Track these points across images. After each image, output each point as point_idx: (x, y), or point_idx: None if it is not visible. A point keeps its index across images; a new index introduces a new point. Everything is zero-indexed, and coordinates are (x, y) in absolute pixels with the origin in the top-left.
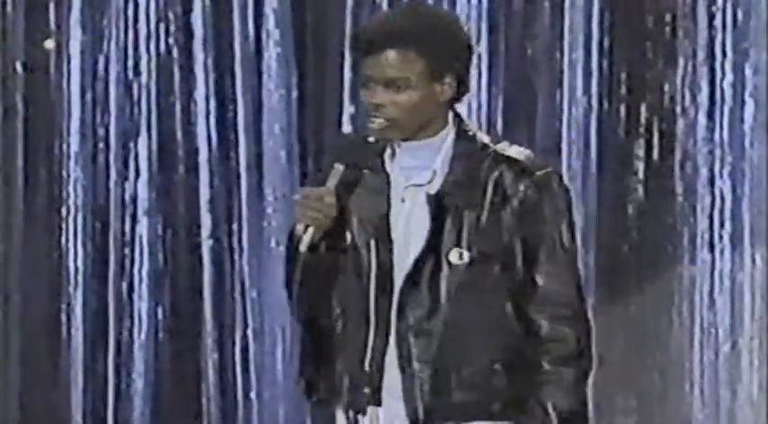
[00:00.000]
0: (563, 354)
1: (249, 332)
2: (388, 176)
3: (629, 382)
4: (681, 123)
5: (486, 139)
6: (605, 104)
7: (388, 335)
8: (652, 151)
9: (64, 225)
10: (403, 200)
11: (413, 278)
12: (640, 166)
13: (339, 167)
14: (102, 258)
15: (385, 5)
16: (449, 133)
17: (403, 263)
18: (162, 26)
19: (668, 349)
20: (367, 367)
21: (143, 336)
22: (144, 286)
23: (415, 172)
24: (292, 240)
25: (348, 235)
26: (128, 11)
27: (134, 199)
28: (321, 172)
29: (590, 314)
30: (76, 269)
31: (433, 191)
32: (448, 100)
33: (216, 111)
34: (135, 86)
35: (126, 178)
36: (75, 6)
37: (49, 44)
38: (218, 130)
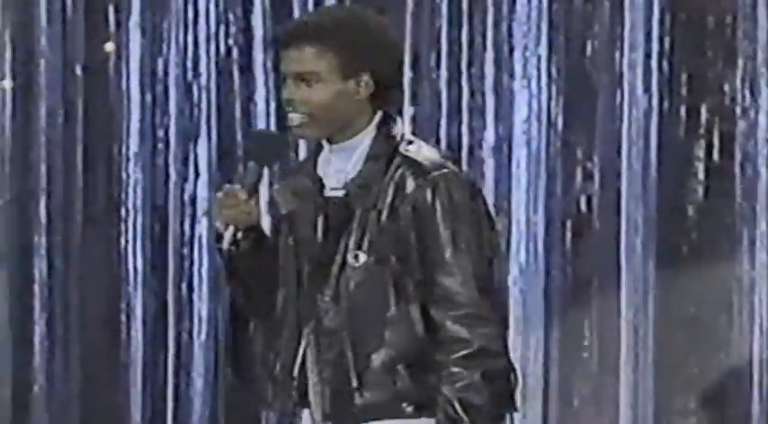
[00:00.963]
0: (465, 354)
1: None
2: (320, 179)
3: (688, 383)
4: (741, 124)
5: (405, 145)
6: (665, 104)
7: (300, 337)
8: (712, 152)
9: (124, 227)
10: (326, 202)
11: (316, 281)
12: (700, 167)
13: (252, 165)
14: (161, 259)
15: (445, 6)
16: (366, 135)
17: (312, 266)
18: (222, 27)
19: (727, 351)
20: (294, 370)
21: (203, 336)
22: (204, 286)
23: (335, 175)
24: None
25: (279, 237)
26: (187, 12)
27: (193, 200)
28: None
29: (502, 312)
30: (136, 269)
31: (340, 194)
32: (368, 100)
33: (275, 112)
34: (194, 88)
35: (185, 179)
36: (134, 9)
37: (109, 47)
38: (277, 131)
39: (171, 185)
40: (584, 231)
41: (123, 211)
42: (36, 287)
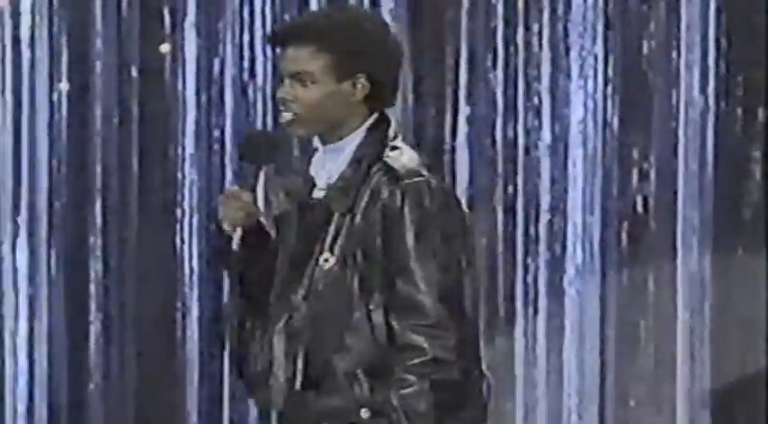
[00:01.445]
0: (417, 362)
1: None
2: (312, 179)
3: (744, 383)
4: None
5: (388, 150)
6: (722, 105)
7: (271, 339)
8: None
9: (179, 227)
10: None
11: (288, 281)
12: (756, 167)
13: (263, 168)
14: None
15: (501, 6)
16: (356, 137)
17: (289, 267)
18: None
19: None
20: (270, 369)
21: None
22: None
23: (325, 176)
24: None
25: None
26: (243, 13)
27: None
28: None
29: (463, 323)
30: (191, 270)
31: (320, 196)
32: (363, 101)
33: None
34: (250, 88)
35: (242, 179)
36: (190, 10)
37: (165, 48)
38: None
39: (226, 185)
40: (640, 231)
41: (179, 212)
42: (92, 287)
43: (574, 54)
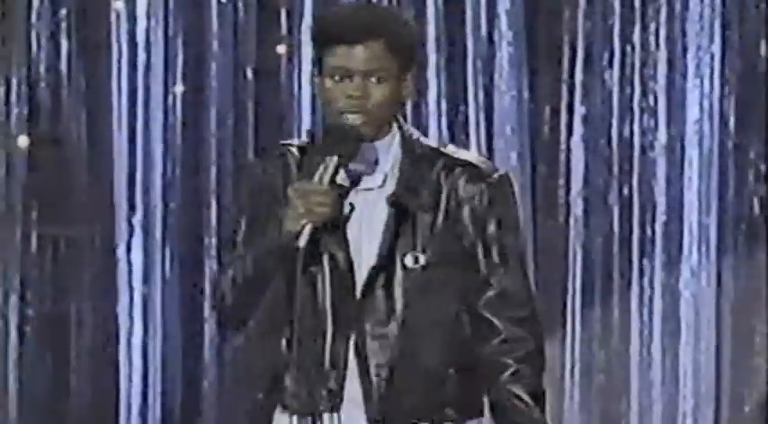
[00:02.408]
0: (523, 353)
1: None
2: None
3: None
4: None
5: (431, 143)
6: None
7: (348, 340)
8: None
9: None
10: (351, 205)
11: (371, 283)
12: None
13: (333, 159)
14: None
15: (617, 4)
16: (395, 135)
17: (360, 267)
18: None
19: None
20: (327, 372)
21: None
22: None
23: (372, 174)
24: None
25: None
26: None
27: None
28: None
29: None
30: None
31: (388, 194)
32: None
33: (447, 112)
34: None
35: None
36: (306, 11)
37: (281, 49)
38: (449, 131)
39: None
40: (756, 232)
41: None
42: (206, 287)
43: (690, 53)
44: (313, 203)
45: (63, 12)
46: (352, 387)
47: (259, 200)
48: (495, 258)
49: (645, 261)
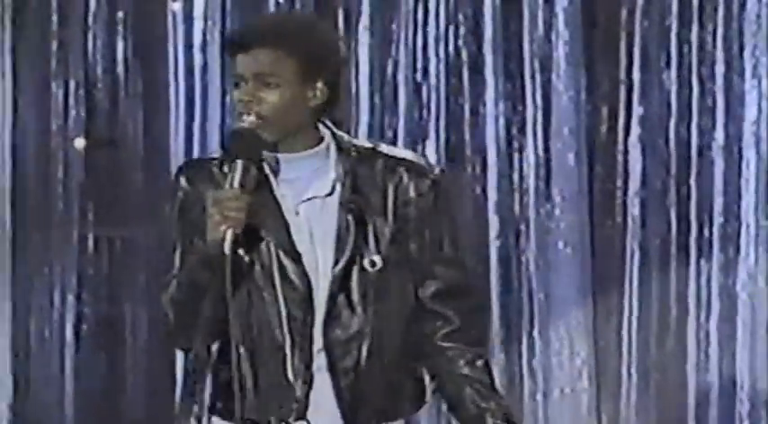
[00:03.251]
0: (476, 340)
1: (535, 334)
2: (272, 190)
3: None
4: None
5: (366, 143)
6: None
7: (311, 347)
8: None
9: None
10: (297, 213)
11: (332, 289)
12: None
13: (239, 163)
14: None
15: (675, 4)
16: (330, 142)
17: (317, 276)
18: (451, 28)
19: None
20: (292, 382)
21: None
22: None
23: (304, 184)
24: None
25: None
26: (417, 14)
27: None
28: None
29: None
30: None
31: (336, 200)
32: (318, 107)
33: (504, 113)
34: (424, 89)
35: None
36: (364, 11)
37: None
38: (506, 131)
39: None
40: None
41: None
42: None
43: (747, 53)
44: (228, 208)
45: (120, 14)
46: (320, 394)
47: (190, 214)
48: (442, 253)
49: (702, 262)
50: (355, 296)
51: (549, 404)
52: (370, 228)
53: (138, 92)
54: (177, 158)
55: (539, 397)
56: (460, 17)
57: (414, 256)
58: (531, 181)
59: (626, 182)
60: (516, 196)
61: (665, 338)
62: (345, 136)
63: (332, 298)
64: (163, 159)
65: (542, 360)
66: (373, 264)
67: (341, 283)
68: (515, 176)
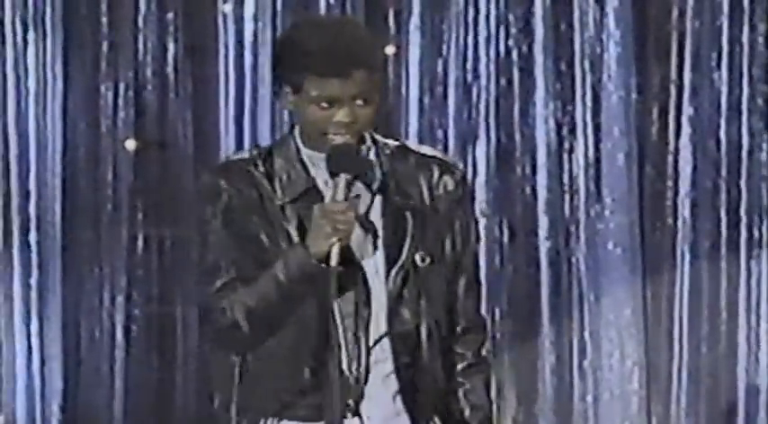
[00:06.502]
0: (482, 344)
1: (586, 335)
2: (318, 191)
3: None
4: None
5: (394, 141)
6: None
7: (367, 343)
8: None
9: None
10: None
11: (389, 285)
12: None
13: (343, 177)
14: None
15: (726, 4)
16: (367, 141)
17: (374, 272)
18: (502, 28)
19: None
20: (348, 378)
21: None
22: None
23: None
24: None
25: None
26: (467, 14)
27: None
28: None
29: None
30: None
31: (382, 197)
32: None
33: (554, 113)
34: (474, 89)
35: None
36: (414, 11)
37: (389, 49)
38: (556, 132)
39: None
40: None
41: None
42: None
43: None
44: (339, 221)
45: (170, 15)
46: (374, 390)
47: (238, 217)
48: (469, 245)
49: (752, 264)
50: (410, 292)
51: (599, 406)
52: (418, 223)
53: (188, 94)
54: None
55: (589, 399)
56: (511, 17)
57: (446, 250)
58: (581, 182)
59: (676, 183)
60: (566, 196)
61: (716, 340)
62: (375, 134)
63: (390, 295)
64: (212, 159)
65: (593, 362)
66: (423, 259)
67: (397, 279)
68: (565, 177)
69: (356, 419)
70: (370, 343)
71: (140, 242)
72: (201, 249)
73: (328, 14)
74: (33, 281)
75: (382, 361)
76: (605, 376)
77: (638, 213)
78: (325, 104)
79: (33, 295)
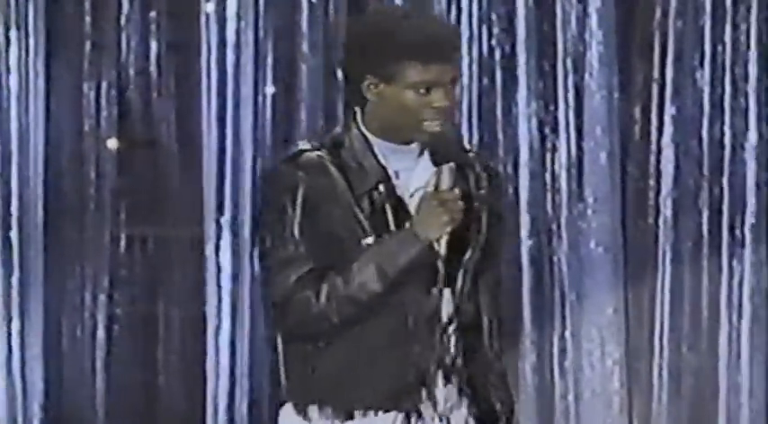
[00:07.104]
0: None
1: (567, 334)
2: (392, 184)
3: None
4: None
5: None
6: None
7: (441, 332)
8: None
9: None
10: (409, 204)
11: (450, 278)
12: None
13: (448, 165)
14: None
15: (708, 4)
16: None
17: (437, 264)
18: (484, 28)
19: None
20: (421, 368)
21: None
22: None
23: (408, 175)
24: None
25: None
26: (450, 13)
27: None
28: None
29: None
30: None
31: (473, 191)
32: None
33: (537, 112)
34: (456, 88)
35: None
36: None
37: None
38: (539, 131)
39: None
40: None
41: None
42: None
43: None
44: (453, 210)
45: (153, 14)
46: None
47: (312, 208)
48: (497, 246)
49: (734, 263)
50: (469, 283)
51: (580, 405)
52: (467, 219)
53: (171, 92)
54: (210, 155)
55: (570, 398)
56: (493, 17)
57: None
58: (563, 181)
59: (658, 182)
60: (548, 195)
61: (697, 339)
62: None
63: (457, 284)
64: (195, 159)
65: (574, 361)
66: (474, 253)
67: (460, 270)
68: (547, 176)
69: (429, 403)
70: (444, 332)
71: (123, 242)
72: (275, 240)
73: (392, 5)
74: (15, 280)
75: (448, 352)
76: (586, 376)
77: (620, 212)
78: (423, 90)
79: (14, 294)
